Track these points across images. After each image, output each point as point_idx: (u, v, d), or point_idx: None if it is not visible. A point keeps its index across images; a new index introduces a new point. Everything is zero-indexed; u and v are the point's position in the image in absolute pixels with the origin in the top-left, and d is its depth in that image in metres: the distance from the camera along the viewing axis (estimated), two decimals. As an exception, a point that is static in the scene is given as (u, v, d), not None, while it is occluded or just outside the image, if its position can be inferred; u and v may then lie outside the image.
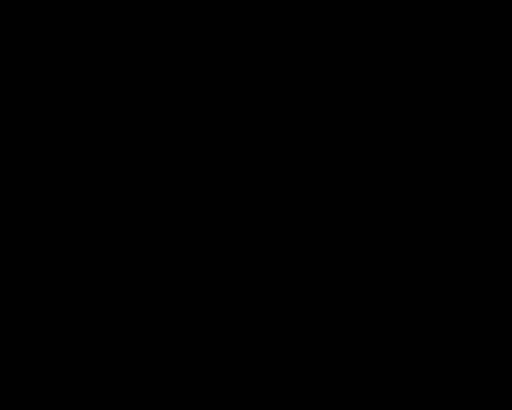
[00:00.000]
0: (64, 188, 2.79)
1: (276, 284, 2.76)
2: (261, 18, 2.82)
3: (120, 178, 2.80)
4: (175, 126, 2.81)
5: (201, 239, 2.78)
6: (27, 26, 2.83)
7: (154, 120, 2.82)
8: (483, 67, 2.80)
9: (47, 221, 2.78)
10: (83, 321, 2.74)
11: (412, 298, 2.74)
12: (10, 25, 2.83)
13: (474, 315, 2.72)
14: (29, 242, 2.78)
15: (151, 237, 2.78)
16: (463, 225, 2.76)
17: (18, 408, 2.70)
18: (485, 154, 2.78)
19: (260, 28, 2.82)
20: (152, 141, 2.81)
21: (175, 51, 2.83)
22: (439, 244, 2.75)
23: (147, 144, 2.81)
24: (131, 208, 2.79)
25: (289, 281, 2.76)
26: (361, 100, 2.81)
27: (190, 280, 2.77)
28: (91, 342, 2.74)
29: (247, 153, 2.81)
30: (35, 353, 2.73)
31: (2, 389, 2.70)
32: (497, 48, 2.80)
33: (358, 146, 2.80)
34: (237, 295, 2.76)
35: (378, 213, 2.77)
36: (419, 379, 2.70)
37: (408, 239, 2.76)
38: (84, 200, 2.79)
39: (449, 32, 2.81)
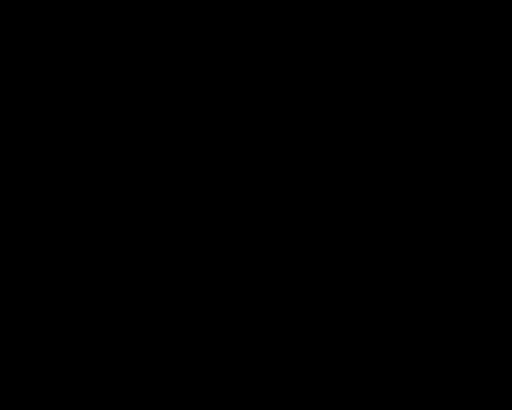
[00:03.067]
0: (64, 188, 2.80)
1: (275, 284, 2.77)
2: (261, 18, 2.83)
3: (120, 177, 2.80)
4: (175, 126, 2.82)
5: (201, 239, 2.78)
6: (27, 26, 2.84)
7: (154, 120, 2.82)
8: (483, 68, 2.80)
9: (47, 221, 2.78)
10: (82, 321, 2.75)
11: (412, 298, 2.74)
12: (10, 25, 2.83)
13: (474, 315, 2.73)
14: (29, 242, 2.78)
15: (151, 237, 2.78)
16: (463, 225, 2.77)
17: (18, 408, 2.70)
18: (486, 154, 2.79)
19: (260, 28, 2.83)
20: (152, 141, 2.82)
21: (175, 51, 2.84)
22: (439, 244, 2.76)
23: (147, 144, 2.82)
24: (131, 208, 2.80)
25: (289, 281, 2.76)
26: (361, 100, 2.81)
27: (190, 280, 2.77)
28: (91, 341, 2.74)
29: (247, 153, 2.81)
30: (35, 352, 2.73)
31: (2, 389, 2.71)
32: (497, 48, 2.80)
33: (358, 146, 2.80)
34: (237, 295, 2.76)
35: (378, 213, 2.78)
36: (419, 379, 2.71)
37: (408, 239, 2.76)
38: (83, 200, 2.79)
39: (449, 32, 2.81)
